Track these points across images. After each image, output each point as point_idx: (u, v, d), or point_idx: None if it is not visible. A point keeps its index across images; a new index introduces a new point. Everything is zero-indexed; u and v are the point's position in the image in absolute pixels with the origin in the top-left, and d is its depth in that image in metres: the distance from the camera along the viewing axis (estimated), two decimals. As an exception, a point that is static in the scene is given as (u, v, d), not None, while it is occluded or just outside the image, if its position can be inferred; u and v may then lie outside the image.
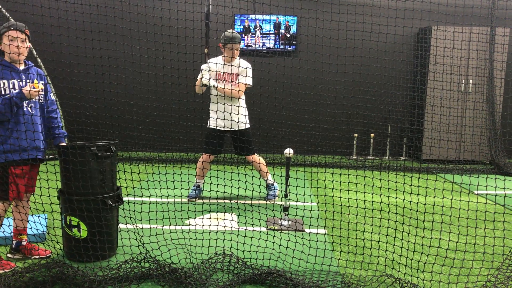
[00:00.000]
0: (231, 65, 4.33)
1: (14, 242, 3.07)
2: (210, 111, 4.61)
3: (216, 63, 4.50)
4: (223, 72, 4.47)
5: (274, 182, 4.78)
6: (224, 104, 4.26)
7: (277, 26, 7.21)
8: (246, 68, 4.28)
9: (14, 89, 2.81)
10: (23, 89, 2.77)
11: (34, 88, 2.77)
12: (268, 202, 4.64)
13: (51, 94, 3.15)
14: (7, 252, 3.10)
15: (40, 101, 2.98)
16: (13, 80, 2.83)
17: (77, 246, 2.98)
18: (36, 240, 3.27)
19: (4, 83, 2.79)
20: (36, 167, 3.07)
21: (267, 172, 4.67)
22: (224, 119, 4.29)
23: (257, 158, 4.66)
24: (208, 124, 4.64)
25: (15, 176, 2.85)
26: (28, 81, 2.89)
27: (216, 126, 4.55)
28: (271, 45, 7.26)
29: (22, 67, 2.90)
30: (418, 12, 6.55)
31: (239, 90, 4.37)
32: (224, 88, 4.27)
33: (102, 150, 3.01)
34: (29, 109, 2.89)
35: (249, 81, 4.48)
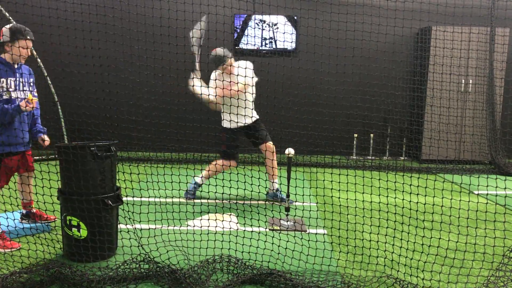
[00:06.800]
0: (231, 74, 4.33)
1: (24, 211, 3.57)
2: (224, 114, 4.57)
3: (216, 80, 4.45)
4: (224, 81, 4.42)
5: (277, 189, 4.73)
6: (231, 105, 4.31)
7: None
8: (246, 68, 4.26)
9: (10, 87, 3.12)
10: (20, 104, 3.07)
11: (29, 102, 3.06)
12: (267, 202, 4.63)
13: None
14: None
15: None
16: (9, 79, 3.15)
17: (77, 246, 2.98)
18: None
19: (3, 81, 3.10)
20: (27, 153, 3.43)
21: (274, 175, 4.64)
22: (238, 114, 4.26)
23: (270, 151, 4.59)
24: (226, 125, 4.53)
25: (4, 166, 3.21)
26: (22, 87, 3.22)
27: (231, 127, 4.49)
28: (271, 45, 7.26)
29: (16, 65, 3.23)
30: (418, 12, 6.54)
31: (231, 90, 4.28)
32: (215, 94, 4.33)
33: (102, 150, 3.01)
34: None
35: (248, 81, 4.39)
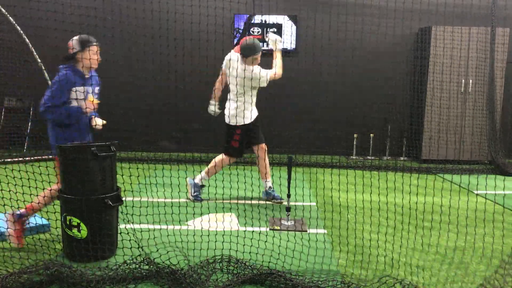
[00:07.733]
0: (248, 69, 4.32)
1: None
2: (246, 105, 4.37)
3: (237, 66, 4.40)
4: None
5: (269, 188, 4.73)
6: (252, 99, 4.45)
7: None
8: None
9: (79, 95, 3.25)
10: (82, 104, 3.24)
11: (89, 104, 3.26)
12: (267, 202, 4.63)
13: None
14: None
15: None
16: (83, 87, 3.29)
17: (77, 246, 2.98)
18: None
19: (76, 89, 3.23)
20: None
21: (267, 174, 4.65)
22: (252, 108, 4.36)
23: (263, 151, 4.65)
24: (242, 122, 4.47)
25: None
26: (89, 93, 3.35)
27: (252, 119, 4.52)
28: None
29: (87, 74, 3.34)
30: (418, 12, 6.55)
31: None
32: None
33: (102, 150, 3.01)
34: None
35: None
